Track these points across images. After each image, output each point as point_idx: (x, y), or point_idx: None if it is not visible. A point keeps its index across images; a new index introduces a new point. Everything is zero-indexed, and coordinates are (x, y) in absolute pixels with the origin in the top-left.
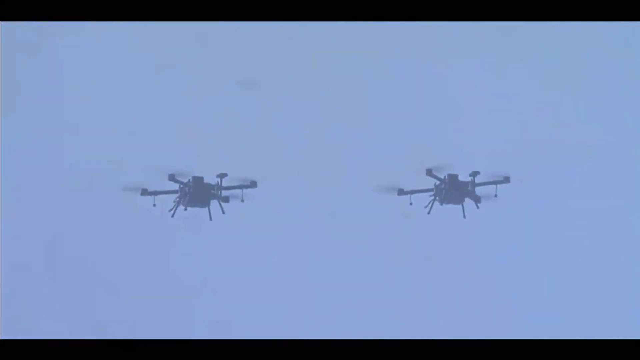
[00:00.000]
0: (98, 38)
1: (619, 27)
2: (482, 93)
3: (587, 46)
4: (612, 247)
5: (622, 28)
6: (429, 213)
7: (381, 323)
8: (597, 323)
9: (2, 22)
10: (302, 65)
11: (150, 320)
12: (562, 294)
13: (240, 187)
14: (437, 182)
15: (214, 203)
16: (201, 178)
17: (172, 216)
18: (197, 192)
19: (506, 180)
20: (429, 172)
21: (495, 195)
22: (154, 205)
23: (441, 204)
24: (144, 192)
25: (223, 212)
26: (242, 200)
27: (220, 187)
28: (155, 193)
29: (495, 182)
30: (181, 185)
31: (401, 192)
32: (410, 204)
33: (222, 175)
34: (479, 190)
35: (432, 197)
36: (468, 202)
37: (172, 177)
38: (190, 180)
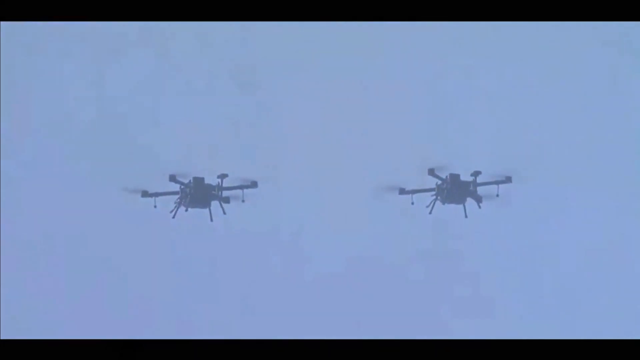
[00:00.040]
0: (98, 38)
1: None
2: (482, 93)
3: (587, 46)
4: (615, 247)
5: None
6: (430, 213)
7: (381, 323)
8: (599, 323)
9: (2, 22)
10: (302, 65)
11: (150, 321)
12: (564, 294)
13: (241, 187)
14: (439, 182)
15: (214, 204)
16: (202, 179)
17: (174, 217)
18: (198, 193)
19: (508, 180)
20: (431, 172)
21: (497, 195)
22: (155, 206)
23: (443, 204)
24: (145, 193)
25: (224, 213)
26: (243, 201)
27: (221, 188)
28: (156, 194)
29: (497, 182)
30: (182, 186)
31: (402, 191)
32: (412, 203)
33: (222, 176)
34: (480, 190)
35: (434, 197)
36: (470, 201)
37: (172, 178)
38: (191, 181)
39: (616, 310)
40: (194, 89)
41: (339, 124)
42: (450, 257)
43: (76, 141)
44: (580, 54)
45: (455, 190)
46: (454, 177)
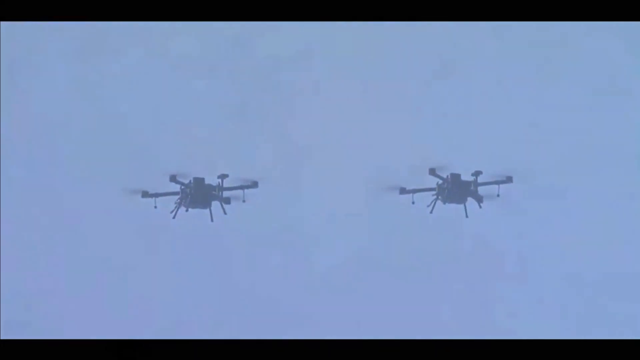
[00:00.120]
0: (98, 38)
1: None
2: (483, 92)
3: (587, 46)
4: (617, 247)
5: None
6: (431, 212)
7: (382, 323)
8: (600, 323)
9: (2, 22)
10: (303, 64)
11: (150, 321)
12: (565, 294)
13: (241, 187)
14: (440, 181)
15: (215, 204)
16: (202, 179)
17: (174, 217)
18: (199, 193)
19: (509, 180)
20: (432, 171)
21: (498, 195)
22: (155, 207)
23: (444, 203)
24: (145, 194)
25: (225, 213)
26: (244, 201)
27: (221, 188)
28: (156, 195)
29: (498, 182)
30: (182, 187)
31: (403, 191)
32: (413, 203)
33: (223, 176)
34: (481, 190)
35: (435, 197)
36: (470, 201)
37: (173, 178)
38: (191, 181)
39: (616, 310)
40: (194, 89)
41: (339, 124)
42: (451, 256)
43: (76, 141)
44: (581, 54)
45: (456, 190)
46: (455, 177)
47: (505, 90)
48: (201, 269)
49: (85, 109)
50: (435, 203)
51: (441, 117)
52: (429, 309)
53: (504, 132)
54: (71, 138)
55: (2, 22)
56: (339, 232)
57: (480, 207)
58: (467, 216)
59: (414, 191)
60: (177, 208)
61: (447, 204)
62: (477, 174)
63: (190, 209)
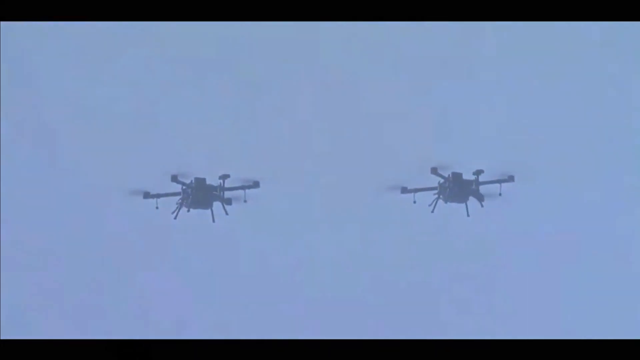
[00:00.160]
0: (98, 38)
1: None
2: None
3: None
4: (618, 246)
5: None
6: (432, 211)
7: (381, 323)
8: (600, 323)
9: (2, 22)
10: (303, 64)
11: (150, 321)
12: (566, 294)
13: (243, 187)
14: (441, 181)
15: (216, 204)
16: (203, 179)
17: (175, 218)
18: (200, 194)
19: (510, 179)
20: (434, 171)
21: (500, 194)
22: (157, 207)
23: (445, 202)
24: (147, 195)
25: (226, 213)
26: (245, 201)
27: (222, 188)
28: (158, 196)
29: (499, 181)
30: (184, 187)
31: (404, 190)
32: (414, 202)
33: (224, 177)
34: (482, 189)
35: (436, 196)
36: (472, 200)
37: (174, 178)
38: (193, 181)
39: (617, 310)
40: (194, 89)
41: (340, 124)
42: (452, 256)
43: (76, 141)
44: (581, 54)
45: (457, 189)
46: (457, 176)
47: (505, 90)
48: (202, 270)
49: (85, 109)
50: (436, 202)
51: (442, 116)
52: (429, 308)
53: (506, 131)
54: (71, 138)
55: (2, 22)
56: (340, 232)
57: (481, 206)
58: (468, 215)
59: (416, 190)
60: (179, 208)
61: (448, 203)
62: (478, 173)
63: (191, 210)
